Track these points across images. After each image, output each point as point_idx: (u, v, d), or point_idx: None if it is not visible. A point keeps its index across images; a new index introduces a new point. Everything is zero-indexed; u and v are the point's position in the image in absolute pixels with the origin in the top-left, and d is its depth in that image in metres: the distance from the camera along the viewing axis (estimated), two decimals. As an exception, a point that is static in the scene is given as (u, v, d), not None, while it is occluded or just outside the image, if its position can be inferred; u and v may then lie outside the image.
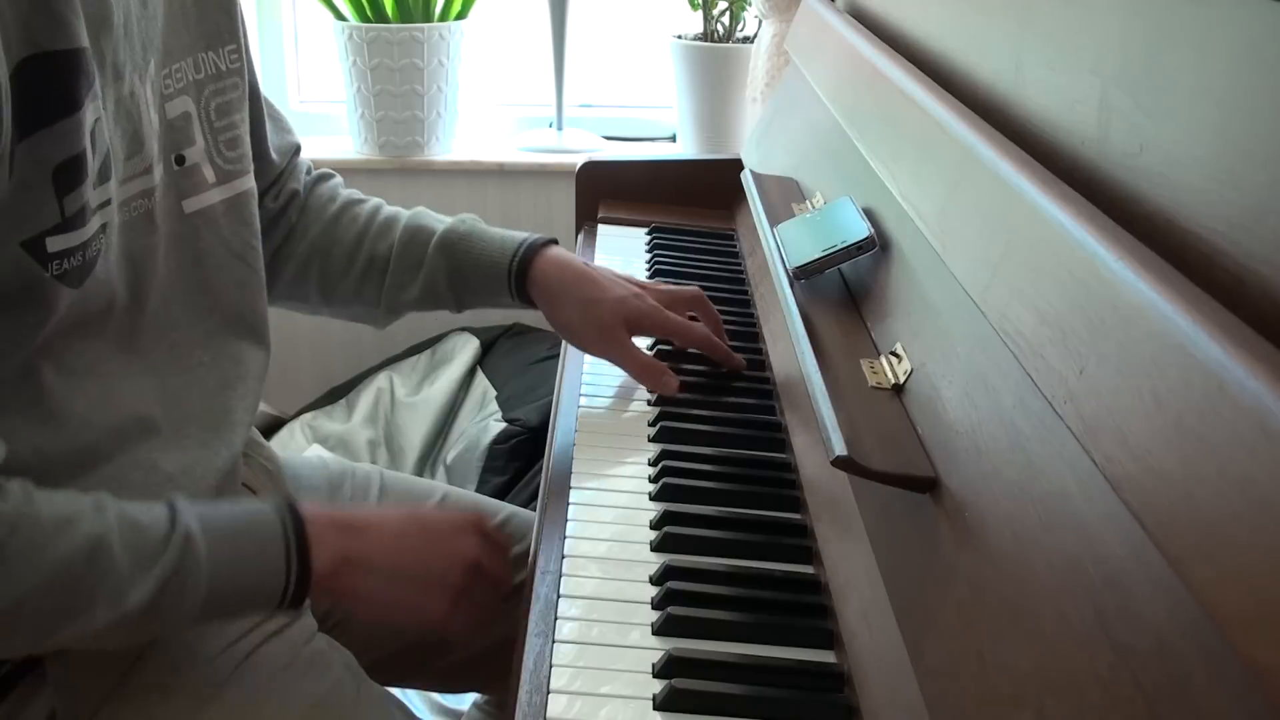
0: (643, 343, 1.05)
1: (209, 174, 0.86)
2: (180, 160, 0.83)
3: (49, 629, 0.69)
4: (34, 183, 0.67)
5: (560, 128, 2.24)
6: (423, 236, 1.04)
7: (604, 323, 0.99)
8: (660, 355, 1.03)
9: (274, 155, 1.02)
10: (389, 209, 1.08)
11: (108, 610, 0.70)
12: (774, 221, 1.05)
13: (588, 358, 1.06)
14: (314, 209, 1.07)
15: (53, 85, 0.67)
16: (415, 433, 1.97)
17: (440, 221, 1.05)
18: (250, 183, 0.91)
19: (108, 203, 0.74)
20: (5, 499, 0.68)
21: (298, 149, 1.08)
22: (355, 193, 1.09)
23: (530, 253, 1.02)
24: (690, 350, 1.05)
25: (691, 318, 1.05)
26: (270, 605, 0.77)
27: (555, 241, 1.04)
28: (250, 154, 0.92)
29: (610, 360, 1.01)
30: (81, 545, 0.69)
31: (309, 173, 1.09)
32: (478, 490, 1.79)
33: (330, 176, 1.10)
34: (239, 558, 0.75)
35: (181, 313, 0.84)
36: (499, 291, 1.02)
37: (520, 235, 1.04)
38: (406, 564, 0.82)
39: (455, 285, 1.03)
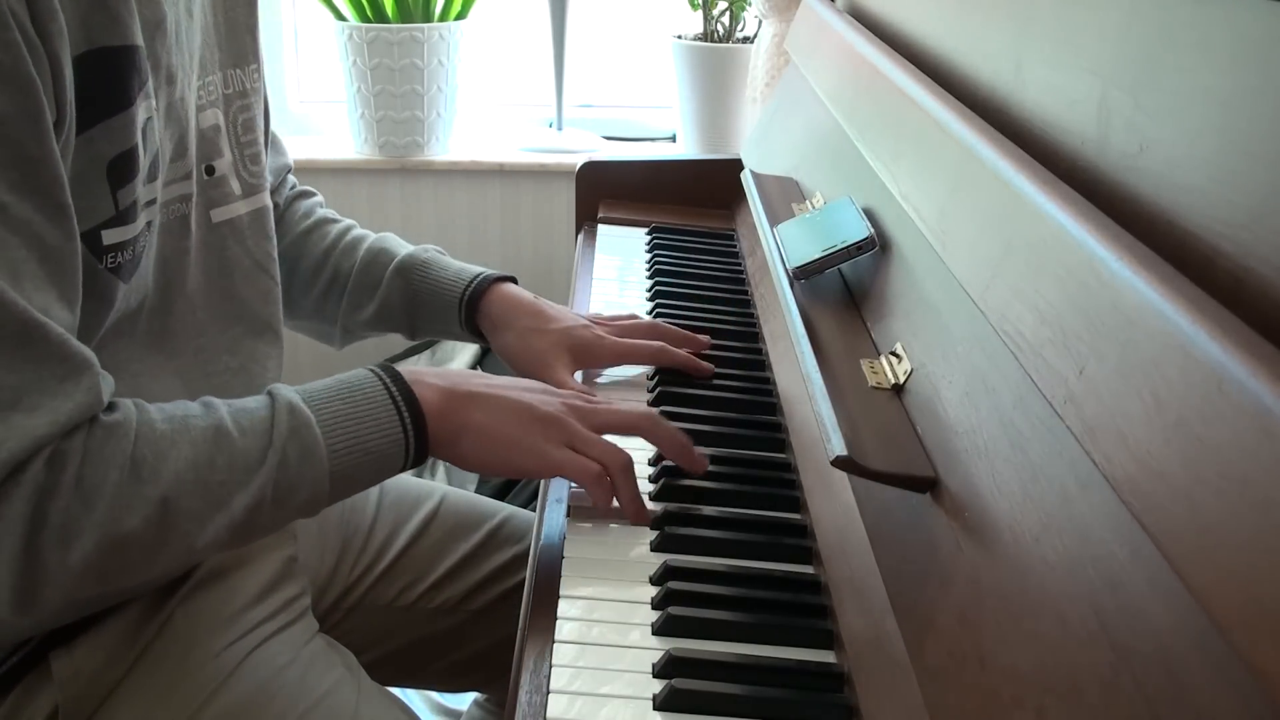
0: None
1: (236, 186, 0.88)
2: (210, 170, 0.85)
3: (198, 528, 0.70)
4: (90, 176, 0.70)
5: (560, 128, 2.24)
6: (383, 259, 1.06)
7: (541, 350, 0.98)
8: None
9: (269, 175, 1.04)
10: (359, 230, 1.10)
11: (243, 494, 0.71)
12: (774, 221, 1.05)
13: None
14: (288, 221, 1.09)
15: (107, 81, 0.69)
16: (415, 433, 1.96)
17: (404, 248, 1.07)
18: (269, 198, 0.93)
19: (153, 201, 0.76)
20: (120, 411, 0.70)
21: (289, 170, 1.11)
22: (331, 212, 1.12)
23: (484, 284, 1.03)
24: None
25: None
26: (398, 454, 0.77)
27: (514, 279, 1.05)
28: (267, 170, 0.95)
29: None
30: (203, 438, 0.71)
31: (292, 187, 1.12)
32: (477, 490, 1.79)
33: (311, 194, 1.13)
34: (347, 411, 0.76)
35: (209, 318, 0.86)
36: (449, 320, 1.04)
37: (477, 269, 1.05)
38: (508, 397, 0.82)
39: (409, 310, 1.05)
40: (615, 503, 0.83)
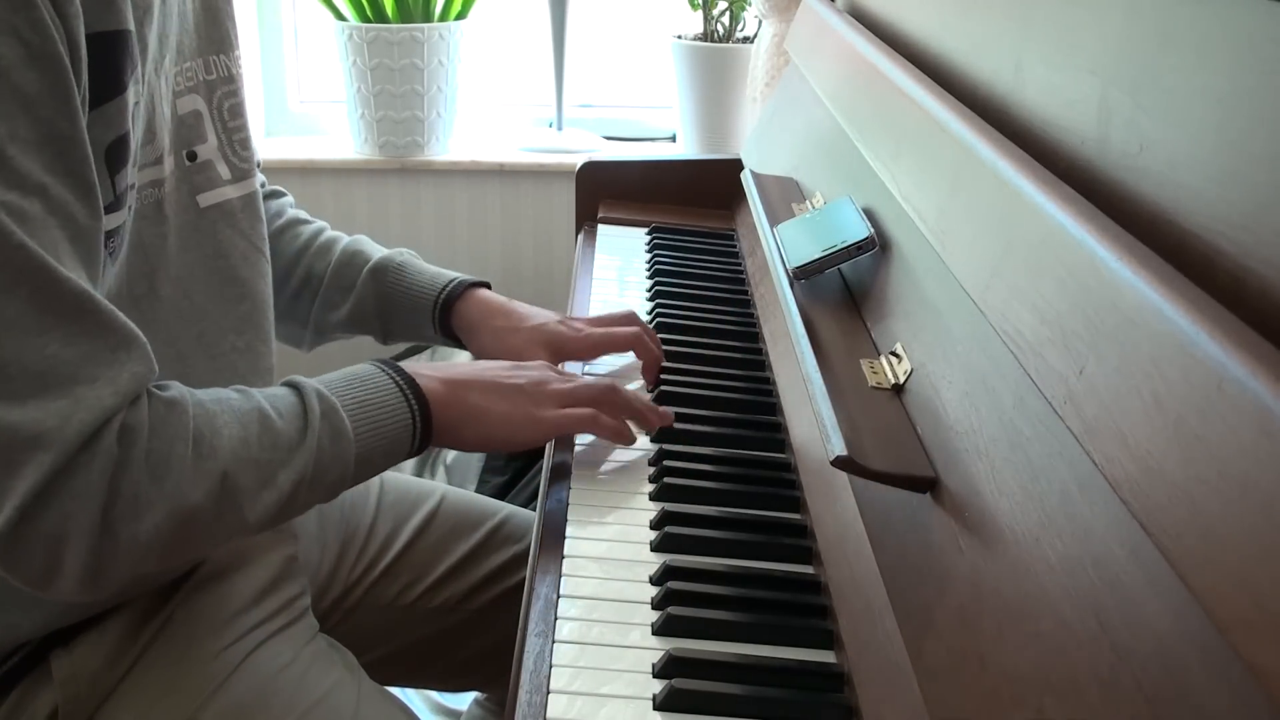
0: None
1: (224, 171, 0.88)
2: (192, 156, 0.85)
3: (250, 503, 0.72)
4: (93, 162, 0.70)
5: (560, 128, 2.24)
6: (359, 261, 1.07)
7: (516, 347, 1.00)
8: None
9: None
10: (332, 232, 1.11)
11: (287, 472, 0.74)
12: (774, 221, 1.05)
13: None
14: None
15: (103, 66, 0.69)
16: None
17: (379, 250, 1.08)
18: (258, 183, 0.94)
19: (133, 186, 0.77)
20: (175, 389, 0.72)
21: (258, 164, 1.09)
22: (302, 213, 1.12)
23: (458, 289, 1.04)
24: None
25: None
26: (407, 438, 0.81)
27: (488, 285, 1.06)
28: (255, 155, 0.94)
29: None
30: (248, 418, 0.73)
31: (261, 185, 1.10)
32: (478, 490, 1.79)
33: (281, 194, 1.13)
34: (363, 398, 0.80)
35: (208, 301, 0.86)
36: (423, 324, 1.05)
37: (452, 274, 1.07)
38: (497, 377, 0.87)
39: (382, 312, 1.06)
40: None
